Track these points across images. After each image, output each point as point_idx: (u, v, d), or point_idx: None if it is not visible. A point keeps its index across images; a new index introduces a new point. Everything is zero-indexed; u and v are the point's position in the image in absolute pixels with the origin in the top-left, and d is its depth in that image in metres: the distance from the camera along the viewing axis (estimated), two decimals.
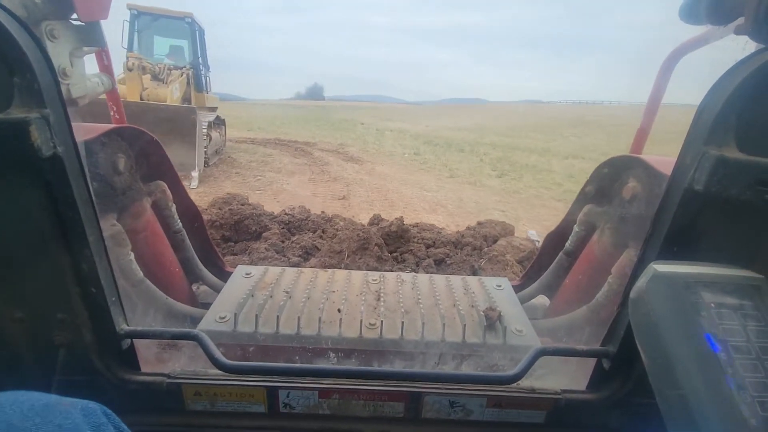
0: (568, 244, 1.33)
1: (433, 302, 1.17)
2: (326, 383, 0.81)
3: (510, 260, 2.18)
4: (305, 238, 2.29)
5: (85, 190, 0.64)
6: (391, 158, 10.79)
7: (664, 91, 1.18)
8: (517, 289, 1.47)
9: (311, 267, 1.96)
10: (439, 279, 1.32)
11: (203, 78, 8.50)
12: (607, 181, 1.22)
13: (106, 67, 1.41)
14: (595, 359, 0.79)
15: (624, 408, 0.80)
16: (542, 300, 1.48)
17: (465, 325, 1.03)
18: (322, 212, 3.02)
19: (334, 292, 1.20)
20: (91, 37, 1.21)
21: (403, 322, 1.04)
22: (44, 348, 0.74)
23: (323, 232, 2.47)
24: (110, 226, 1.04)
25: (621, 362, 0.75)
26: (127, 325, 0.77)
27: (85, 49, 1.23)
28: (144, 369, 0.83)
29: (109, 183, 1.05)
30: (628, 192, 1.10)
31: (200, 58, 8.50)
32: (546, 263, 1.43)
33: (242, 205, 2.63)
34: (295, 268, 1.33)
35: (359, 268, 1.94)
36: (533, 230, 3.23)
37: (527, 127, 20.70)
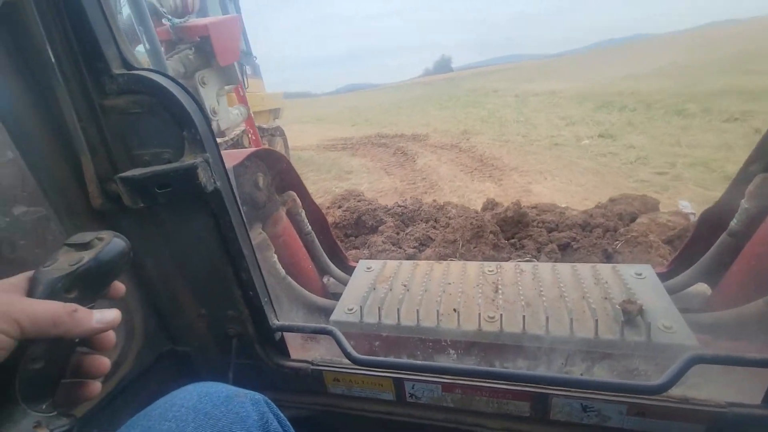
0: (733, 222, 1.08)
1: (558, 294, 1.10)
2: (448, 378, 0.84)
3: (655, 241, 1.87)
4: (419, 229, 2.35)
5: (238, 214, 0.78)
6: (557, 155, 5.62)
7: None
8: (665, 276, 1.27)
9: (426, 258, 2.01)
10: (564, 268, 1.22)
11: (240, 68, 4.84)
12: None
13: (242, 99, 1.68)
14: None
15: None
16: (701, 289, 1.24)
17: (597, 321, 0.94)
18: (434, 200, 3.04)
19: (450, 284, 1.22)
20: (230, 76, 1.47)
21: (524, 316, 1.00)
22: (222, 338, 0.94)
23: (436, 221, 2.49)
24: (257, 234, 1.24)
25: None
26: (277, 320, 0.93)
27: (226, 87, 1.49)
28: (293, 356, 0.99)
29: (254, 198, 1.26)
30: None
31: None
32: (702, 246, 1.19)
33: (358, 201, 2.82)
34: (412, 261, 1.39)
35: (474, 258, 1.91)
36: (686, 201, 2.70)
37: (746, 56, 11.74)
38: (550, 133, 7.13)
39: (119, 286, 0.47)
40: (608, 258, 1.84)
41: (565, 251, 1.96)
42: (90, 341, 0.43)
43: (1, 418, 0.36)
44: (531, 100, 11.10)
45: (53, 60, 0.65)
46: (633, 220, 2.16)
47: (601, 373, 0.87)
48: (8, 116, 0.67)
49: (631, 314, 0.95)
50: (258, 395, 0.53)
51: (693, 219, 2.13)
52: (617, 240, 1.95)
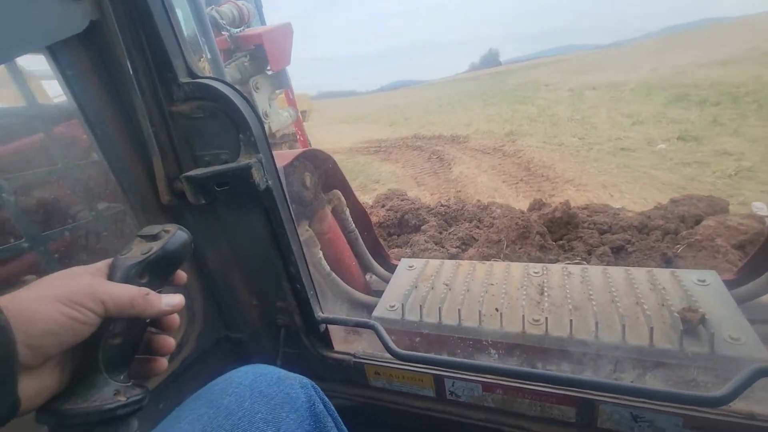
0: None
1: (609, 299, 1.05)
2: (489, 378, 0.83)
3: (723, 246, 1.71)
4: (462, 229, 2.33)
5: (287, 212, 0.83)
6: (624, 164, 4.47)
7: None
8: (733, 284, 1.16)
9: (469, 258, 1.99)
10: (616, 272, 1.16)
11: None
12: None
13: (291, 102, 1.76)
14: None
15: None
16: None
17: (652, 328, 0.89)
18: (478, 201, 2.99)
19: (493, 285, 1.20)
20: (280, 81, 1.55)
21: (571, 320, 0.96)
22: (272, 327, 1.00)
23: (479, 221, 2.45)
24: (305, 231, 1.30)
25: None
26: (322, 313, 0.97)
27: (277, 91, 1.58)
28: (336, 348, 1.03)
29: (302, 196, 1.32)
30: None
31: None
32: None
33: (402, 200, 2.85)
34: (454, 261, 1.38)
35: (519, 259, 1.86)
36: (762, 203, 2.44)
37: None
38: (614, 135, 5.85)
39: (182, 275, 0.52)
40: (668, 263, 1.71)
41: (619, 254, 1.85)
42: (158, 322, 0.48)
43: (86, 384, 0.41)
44: (588, 95, 9.46)
45: (131, 72, 0.73)
46: (698, 222, 2.00)
47: (654, 383, 0.83)
48: (94, 123, 0.76)
49: (691, 323, 0.89)
50: (306, 380, 0.57)
51: None
52: (678, 244, 1.81)
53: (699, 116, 5.89)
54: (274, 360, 0.97)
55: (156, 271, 0.48)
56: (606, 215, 2.20)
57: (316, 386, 0.57)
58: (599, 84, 10.54)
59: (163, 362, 0.49)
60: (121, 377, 0.44)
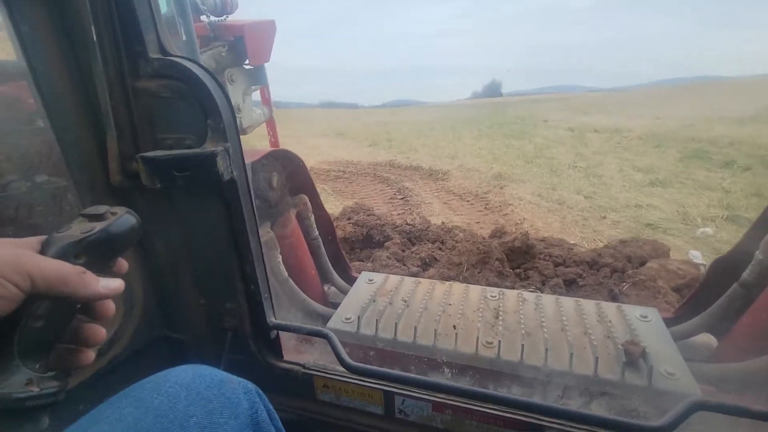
0: (746, 274, 1.06)
1: (560, 327, 1.08)
2: (440, 397, 0.82)
3: (663, 287, 1.84)
4: (425, 249, 2.35)
5: (250, 207, 0.79)
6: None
7: None
8: (671, 322, 1.24)
9: (430, 277, 2.00)
10: (568, 302, 1.20)
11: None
12: None
13: (266, 100, 1.72)
14: None
15: None
16: (706, 339, 1.21)
17: (597, 358, 0.92)
18: (443, 223, 3.04)
19: (450, 305, 1.20)
20: (257, 77, 1.51)
21: (523, 345, 0.98)
22: (218, 330, 0.93)
23: (442, 243, 2.48)
24: (266, 233, 1.25)
25: None
26: (275, 318, 0.92)
27: (253, 87, 1.54)
28: (286, 357, 0.97)
29: (267, 197, 1.27)
30: None
31: None
32: (711, 295, 1.17)
33: (368, 215, 2.83)
34: (414, 278, 1.38)
35: (478, 283, 1.89)
36: (697, 251, 2.66)
37: None
38: (632, 199, 4.57)
39: (123, 263, 0.48)
40: (614, 299, 1.80)
41: (570, 287, 1.93)
42: (90, 309, 0.43)
43: None
44: (591, 138, 8.42)
45: (95, 39, 0.68)
46: (642, 263, 2.13)
47: (598, 411, 0.85)
48: (44, 87, 0.70)
49: (633, 356, 0.93)
50: (251, 384, 0.53)
51: (702, 270, 2.09)
52: (624, 282, 1.91)
53: (733, 183, 4.82)
54: (217, 366, 0.91)
55: (95, 254, 0.44)
56: (561, 249, 2.30)
57: (261, 393, 0.53)
58: (601, 127, 9.45)
59: (90, 354, 0.43)
60: (37, 366, 0.38)
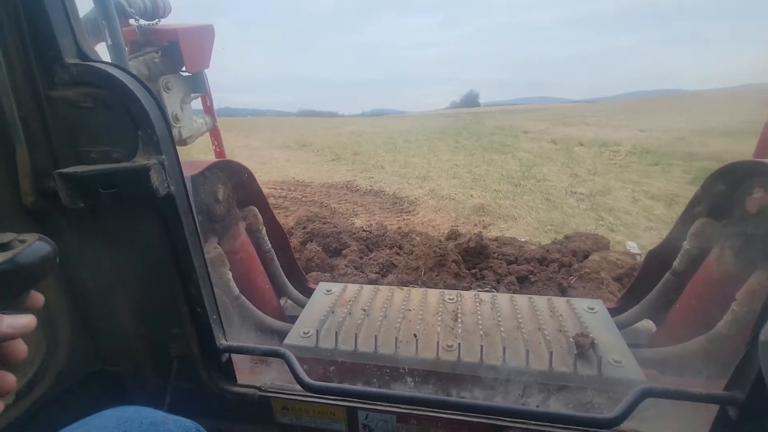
0: (676, 262, 1.16)
1: (515, 325, 1.11)
2: (404, 408, 0.80)
3: (605, 278, 1.96)
4: (382, 255, 2.34)
5: (192, 223, 0.73)
6: None
7: None
8: (615, 312, 1.32)
9: (388, 283, 1.99)
10: (521, 299, 1.24)
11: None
12: (725, 191, 1.04)
13: (209, 109, 1.63)
14: (718, 405, 0.66)
15: None
16: (647, 325, 1.30)
17: (552, 353, 0.95)
18: (399, 228, 3.05)
19: (410, 310, 1.20)
20: (197, 85, 1.42)
21: (482, 346, 0.99)
22: (162, 358, 0.85)
23: (400, 248, 2.49)
24: (213, 248, 1.17)
25: (751, 412, 0.62)
26: (226, 341, 0.86)
27: (192, 95, 1.44)
28: (240, 380, 0.91)
29: (212, 211, 1.19)
30: (754, 204, 0.93)
31: None
32: (649, 284, 1.26)
33: (324, 223, 2.78)
34: (373, 286, 1.36)
35: (436, 285, 1.91)
36: (633, 242, 2.88)
37: None
38: None
39: (38, 296, 0.41)
40: (563, 292, 1.90)
41: (523, 284, 2.01)
42: None
43: None
44: (579, 153, 7.59)
45: None
46: (586, 256, 2.27)
47: (557, 406, 0.87)
48: None
49: (583, 347, 0.97)
50: (189, 422, 0.47)
51: (639, 259, 2.26)
52: (571, 275, 2.02)
53: None
54: (162, 398, 0.83)
55: (0, 290, 0.37)
56: (513, 247, 2.39)
57: (202, 430, 0.48)
58: (586, 140, 8.74)
59: None
60: None
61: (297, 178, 6.26)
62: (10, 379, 0.37)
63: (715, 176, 1.05)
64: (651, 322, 1.27)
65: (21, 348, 0.38)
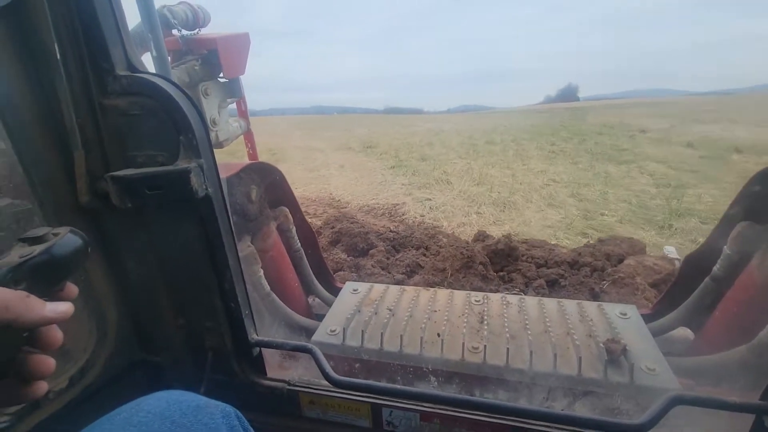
0: (716, 268, 1.10)
1: (543, 329, 1.09)
2: (428, 407, 0.81)
3: (641, 284, 1.89)
4: (409, 255, 2.35)
5: (227, 223, 0.78)
6: None
7: None
8: (649, 318, 1.27)
9: (415, 284, 2.00)
10: (550, 303, 1.22)
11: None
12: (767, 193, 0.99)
13: (243, 113, 1.70)
14: (754, 415, 0.63)
15: None
16: (684, 333, 1.25)
17: (581, 358, 0.93)
18: (426, 229, 3.05)
19: (435, 311, 1.20)
20: (233, 90, 1.49)
21: (508, 349, 0.99)
22: (198, 350, 0.90)
23: (426, 249, 2.49)
24: (246, 247, 1.23)
25: None
26: (257, 335, 0.90)
27: (229, 100, 1.52)
28: (270, 374, 0.95)
29: (246, 211, 1.25)
30: None
31: None
32: (686, 290, 1.20)
33: (351, 223, 2.82)
34: (399, 286, 1.37)
35: (463, 288, 1.90)
36: (671, 246, 2.75)
37: None
38: None
39: (72, 288, 0.45)
40: (595, 297, 1.84)
41: (553, 288, 1.96)
42: (37, 339, 0.40)
43: None
44: (742, 164, 5.21)
45: (59, 56, 0.66)
46: (620, 261, 2.19)
47: (582, 410, 0.86)
48: (4, 107, 0.67)
49: (614, 354, 0.94)
50: (230, 408, 0.51)
51: (678, 265, 2.16)
52: (604, 280, 1.96)
53: None
54: (198, 388, 0.88)
55: (37, 279, 0.41)
56: (543, 250, 2.34)
57: (241, 416, 0.51)
58: (745, 145, 5.95)
59: (41, 386, 0.41)
60: None
61: (337, 193, 4.87)
62: (50, 362, 0.41)
63: (757, 178, 1.00)
64: (688, 329, 1.21)
65: (58, 335, 0.41)
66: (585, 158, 5.92)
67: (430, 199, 4.40)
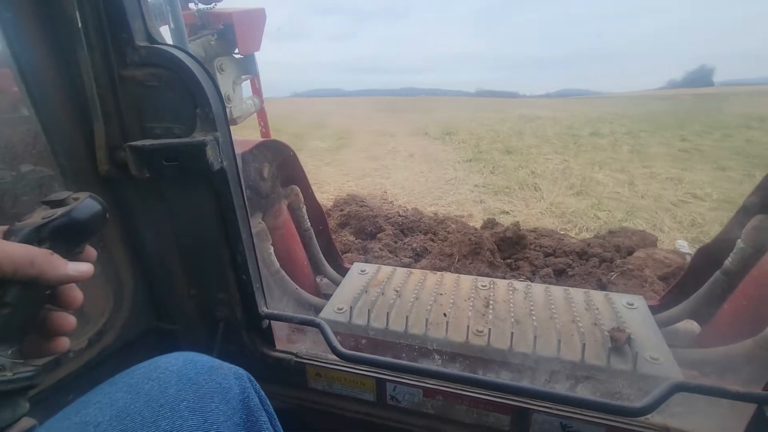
0: (728, 261, 1.09)
1: (548, 315, 1.10)
2: (431, 383, 0.83)
3: (650, 276, 1.87)
4: (417, 240, 2.36)
5: (240, 197, 0.79)
6: None
7: None
8: (656, 309, 1.27)
9: (422, 268, 2.01)
10: (557, 290, 1.22)
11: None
12: None
13: (257, 90, 1.70)
14: (755, 405, 0.64)
15: None
16: (689, 326, 1.24)
17: (584, 344, 0.94)
18: (435, 214, 3.05)
19: (442, 294, 1.22)
20: (248, 66, 1.49)
21: (512, 333, 1.00)
22: (210, 320, 0.93)
23: (434, 234, 2.50)
24: (257, 223, 1.25)
25: None
26: (267, 308, 0.93)
27: (243, 77, 1.52)
28: (278, 346, 0.98)
29: (258, 188, 1.27)
30: None
31: None
32: (696, 282, 1.20)
33: (360, 206, 2.84)
34: (406, 269, 1.39)
35: (469, 273, 1.91)
36: (684, 240, 2.71)
37: None
38: None
39: (91, 251, 0.46)
40: (602, 288, 1.84)
41: (560, 277, 1.96)
42: (58, 297, 0.42)
43: None
44: None
45: (80, 26, 0.67)
46: (630, 253, 2.17)
47: (583, 394, 0.87)
48: (29, 75, 0.68)
49: (618, 342, 0.95)
50: (242, 371, 0.53)
51: (688, 259, 2.13)
52: (612, 271, 1.95)
53: None
54: (210, 356, 0.91)
55: (59, 240, 0.43)
56: (551, 239, 2.33)
57: (253, 379, 0.54)
58: None
59: (64, 341, 0.43)
60: (9, 353, 0.38)
61: (393, 192, 3.98)
62: (71, 319, 0.43)
63: None
64: (694, 322, 1.21)
65: (79, 295, 0.43)
66: (735, 162, 4.33)
67: (507, 213, 3.20)
